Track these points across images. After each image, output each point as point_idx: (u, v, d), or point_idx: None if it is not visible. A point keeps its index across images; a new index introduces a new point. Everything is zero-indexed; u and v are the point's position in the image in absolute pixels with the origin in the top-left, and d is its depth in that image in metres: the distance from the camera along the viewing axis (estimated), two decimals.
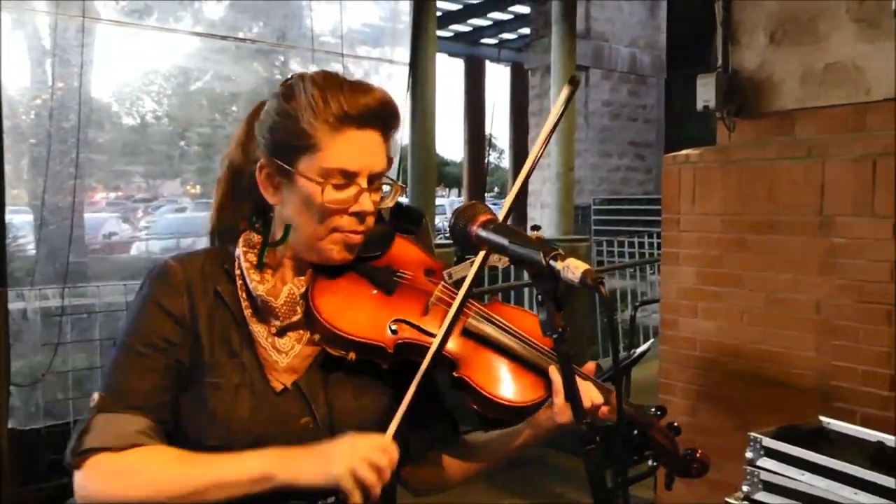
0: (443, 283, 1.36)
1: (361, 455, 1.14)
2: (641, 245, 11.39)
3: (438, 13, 14.17)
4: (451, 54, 19.61)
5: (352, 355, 1.27)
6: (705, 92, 3.90)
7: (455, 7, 16.80)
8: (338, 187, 1.26)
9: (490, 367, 1.29)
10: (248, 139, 1.36)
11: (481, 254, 1.25)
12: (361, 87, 1.28)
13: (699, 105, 3.92)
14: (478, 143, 19.94)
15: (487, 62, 20.50)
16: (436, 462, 1.46)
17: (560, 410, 1.26)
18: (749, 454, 2.80)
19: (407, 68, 7.12)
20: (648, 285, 9.29)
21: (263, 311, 1.29)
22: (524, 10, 16.22)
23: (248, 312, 1.30)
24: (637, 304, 4.52)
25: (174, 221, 11.15)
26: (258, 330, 1.29)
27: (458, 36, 18.82)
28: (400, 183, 1.36)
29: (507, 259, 2.75)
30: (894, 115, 3.34)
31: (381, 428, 1.25)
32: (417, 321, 1.30)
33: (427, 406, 1.42)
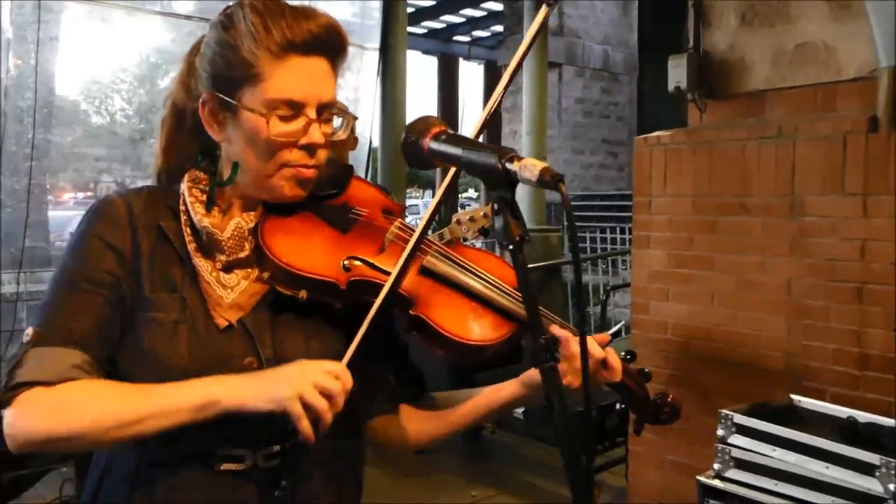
0: (399, 220, 1.30)
1: (311, 379, 1.09)
2: (614, 241, 11.38)
3: (411, 9, 14.11)
4: (425, 52, 19.55)
5: (302, 294, 1.21)
6: (677, 73, 3.87)
7: (427, 3, 16.74)
8: (284, 119, 1.19)
9: (449, 306, 1.22)
10: (190, 76, 1.28)
11: (447, 179, 1.20)
12: (305, 12, 1.20)
13: (671, 86, 3.89)
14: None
15: (461, 60, 20.46)
16: (403, 419, 1.39)
17: (562, 370, 1.19)
18: (720, 431, 2.77)
19: (377, 54, 7.07)
20: (620, 280, 9.28)
21: (209, 246, 1.24)
22: (497, 6, 16.19)
23: (192, 247, 1.24)
24: (608, 288, 4.48)
25: None
26: (202, 264, 1.24)
27: (432, 33, 18.76)
28: (352, 114, 1.29)
29: (475, 229, 2.66)
30: (865, 94, 3.33)
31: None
32: (372, 259, 1.24)
33: (390, 356, 1.38)
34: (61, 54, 4.99)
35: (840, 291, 3.25)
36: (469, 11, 17.38)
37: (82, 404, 1.12)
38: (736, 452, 2.71)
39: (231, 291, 1.23)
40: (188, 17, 5.44)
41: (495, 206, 0.92)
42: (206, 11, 6.08)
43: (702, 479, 2.76)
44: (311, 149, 1.22)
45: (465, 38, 19.45)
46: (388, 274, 1.20)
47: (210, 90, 1.22)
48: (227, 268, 1.24)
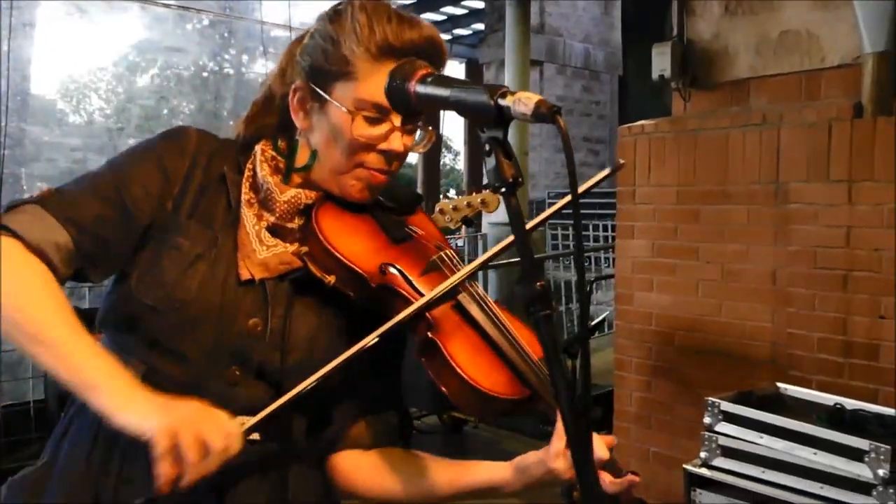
0: (449, 251, 1.27)
1: (197, 425, 0.99)
2: (596, 238, 11.38)
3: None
4: None
5: (330, 279, 1.19)
6: (661, 62, 3.85)
7: (408, 1, 16.69)
8: (369, 121, 1.18)
9: (467, 345, 1.17)
10: (288, 65, 1.28)
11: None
12: (410, 21, 1.19)
13: (655, 75, 3.87)
14: (432, 144, 19.83)
15: None
16: (379, 462, 1.29)
17: (556, 454, 1.14)
18: (707, 419, 2.74)
19: None
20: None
21: (263, 203, 1.23)
22: (478, 4, 16.18)
23: (245, 198, 1.24)
24: (592, 279, 4.45)
25: None
26: (249, 215, 1.23)
27: None
28: (432, 129, 1.27)
29: (458, 218, 2.62)
30: (849, 81, 3.31)
31: (325, 388, 1.17)
32: (411, 275, 1.21)
33: (387, 389, 1.34)
34: (37, 47, 4.90)
35: (825, 279, 3.23)
36: (450, 9, 17.34)
37: (22, 283, 1.08)
38: (723, 440, 2.67)
39: (266, 249, 1.21)
40: (166, 6, 5.36)
41: (486, 147, 0.87)
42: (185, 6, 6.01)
43: (688, 467, 2.73)
44: (389, 155, 1.21)
45: (447, 36, 19.42)
46: (420, 294, 1.18)
47: (304, 79, 1.22)
48: (272, 231, 1.23)
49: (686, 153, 3.74)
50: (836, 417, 2.59)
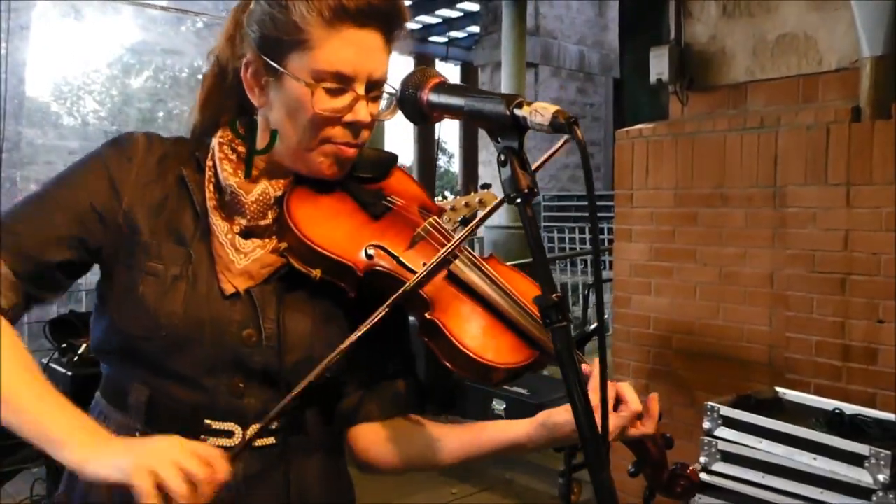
0: (434, 218, 1.22)
1: (174, 458, 0.94)
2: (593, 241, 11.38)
3: None
4: (400, 52, 19.50)
5: (316, 273, 1.13)
6: (658, 65, 3.85)
7: (404, 3, 16.69)
8: (331, 92, 1.10)
9: (468, 317, 1.14)
10: (236, 32, 1.18)
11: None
12: None
13: (652, 78, 3.86)
14: (427, 145, 19.85)
15: (437, 61, 20.43)
16: (392, 431, 1.25)
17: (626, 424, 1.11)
18: (706, 424, 2.73)
19: None
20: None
21: (231, 206, 1.15)
22: (473, 7, 16.18)
23: (211, 204, 1.16)
24: (590, 284, 4.44)
25: None
26: (219, 224, 1.15)
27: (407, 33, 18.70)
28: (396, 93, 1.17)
29: (456, 219, 2.61)
30: (847, 84, 3.31)
31: (335, 377, 1.16)
32: (397, 252, 1.15)
33: (397, 361, 1.28)
34: (32, 49, 4.87)
35: (823, 282, 3.22)
36: (445, 12, 17.35)
37: None
38: (722, 445, 2.67)
39: (244, 258, 1.15)
40: (165, 10, 5.34)
41: (502, 157, 0.85)
42: (181, 4, 5.99)
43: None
44: (355, 127, 1.13)
45: (442, 39, 19.42)
46: (411, 270, 1.13)
47: (256, 52, 1.13)
48: (246, 233, 1.16)
49: (684, 156, 3.73)
50: (835, 422, 2.59)
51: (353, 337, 1.08)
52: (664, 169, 3.79)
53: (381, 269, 1.14)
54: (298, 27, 1.08)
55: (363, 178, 1.23)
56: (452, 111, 0.95)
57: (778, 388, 2.99)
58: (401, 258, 1.15)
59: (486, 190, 2.88)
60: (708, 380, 3.61)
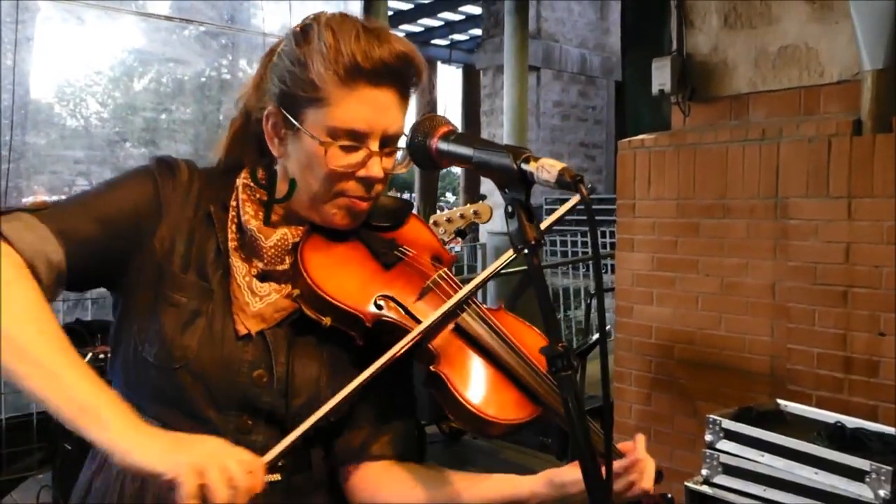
0: (444, 270, 1.23)
1: (221, 461, 0.94)
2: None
3: (389, 13, 14.06)
4: None
5: (327, 320, 1.16)
6: (660, 76, 3.86)
7: (406, 6, 16.72)
8: (345, 149, 1.13)
9: (472, 371, 1.15)
10: (262, 80, 1.22)
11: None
12: (379, 37, 1.13)
13: (654, 89, 3.87)
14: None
15: (439, 63, 20.46)
16: (386, 476, 1.24)
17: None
18: (708, 437, 2.74)
19: None
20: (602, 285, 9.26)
21: (250, 249, 1.19)
22: (475, 10, 16.21)
23: (232, 245, 1.20)
24: (592, 293, 4.46)
25: None
26: (238, 265, 1.19)
27: (409, 36, 18.74)
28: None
29: (451, 230, 2.62)
30: (848, 96, 3.33)
31: (339, 419, 1.18)
32: (406, 303, 1.17)
33: (395, 402, 1.28)
34: (35, 55, 4.90)
35: (825, 295, 3.24)
36: (447, 15, 17.39)
37: (12, 303, 0.99)
38: (724, 458, 2.68)
39: (259, 301, 1.18)
40: (169, 19, 5.35)
41: (509, 209, 0.87)
42: (183, 10, 6.00)
43: (690, 484, 2.73)
44: (368, 182, 1.16)
45: (444, 42, 19.45)
46: (419, 322, 1.15)
47: (276, 105, 1.16)
48: (263, 276, 1.19)
49: (685, 167, 3.75)
50: (836, 436, 2.60)
51: (355, 384, 1.10)
52: (666, 179, 3.81)
53: (389, 319, 1.15)
54: (315, 85, 1.11)
55: (378, 227, 1.25)
56: (461, 160, 0.97)
57: (779, 401, 3.01)
58: (409, 309, 1.17)
59: (481, 202, 2.89)
60: (710, 390, 3.62)
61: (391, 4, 15.50)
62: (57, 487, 4.08)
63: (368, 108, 1.12)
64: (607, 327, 4.09)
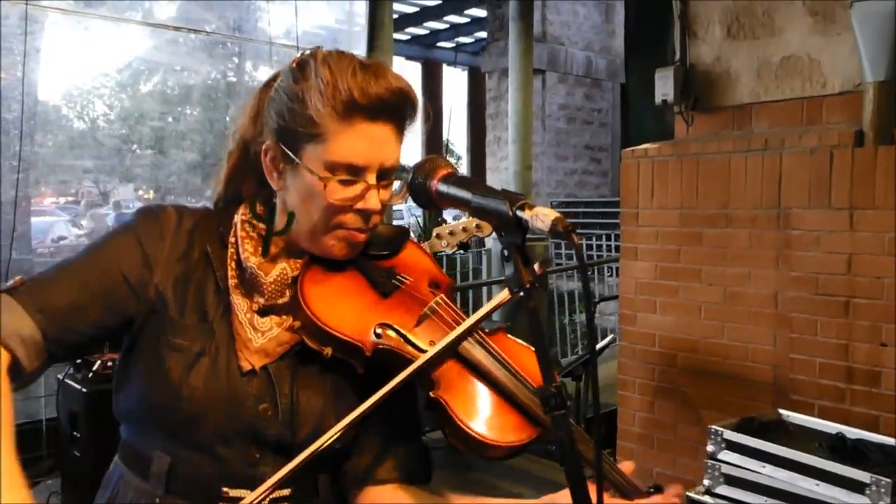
0: (442, 296, 1.26)
1: None
2: (599, 247, 11.41)
3: (395, 15, 14.10)
4: (408, 57, 19.54)
5: (328, 351, 1.19)
6: (663, 86, 3.89)
7: (411, 10, 16.75)
8: (343, 183, 1.15)
9: (472, 395, 1.18)
10: (258, 113, 1.24)
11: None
12: (375, 73, 1.15)
13: (657, 99, 3.90)
14: (435, 148, 19.86)
15: (445, 66, 20.47)
16: (394, 499, 1.27)
17: None
18: (710, 447, 2.77)
19: None
20: (606, 287, 9.29)
21: (250, 285, 1.21)
22: (480, 13, 16.22)
23: (232, 282, 1.22)
24: (596, 300, 4.49)
25: None
26: (239, 302, 1.21)
27: (415, 39, 18.79)
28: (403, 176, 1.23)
29: (454, 243, 2.66)
30: (850, 107, 3.35)
31: (343, 446, 1.21)
32: (405, 330, 1.20)
33: (402, 429, 1.31)
34: (43, 61, 4.95)
35: (827, 305, 3.26)
36: (453, 17, 17.40)
37: None
38: (726, 468, 2.71)
39: (261, 336, 1.21)
40: (176, 29, 5.40)
41: (505, 253, 0.91)
42: (189, 20, 6.04)
43: (692, 494, 2.76)
44: (366, 214, 1.19)
45: (449, 44, 19.47)
46: (418, 349, 1.17)
47: (274, 139, 1.19)
48: (264, 311, 1.22)
49: (689, 177, 3.78)
50: (837, 446, 2.63)
51: (358, 412, 1.12)
52: (669, 189, 3.84)
53: (388, 347, 1.17)
54: (314, 121, 1.14)
55: (375, 256, 1.27)
56: (459, 203, 1.00)
57: (781, 411, 3.03)
58: (408, 336, 1.19)
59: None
60: (712, 398, 3.65)
61: (396, 7, 15.54)
62: (66, 494, 4.12)
63: (366, 142, 1.15)
64: (612, 335, 4.12)
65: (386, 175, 1.19)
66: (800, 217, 3.35)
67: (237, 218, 1.25)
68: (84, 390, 3.90)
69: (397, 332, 1.19)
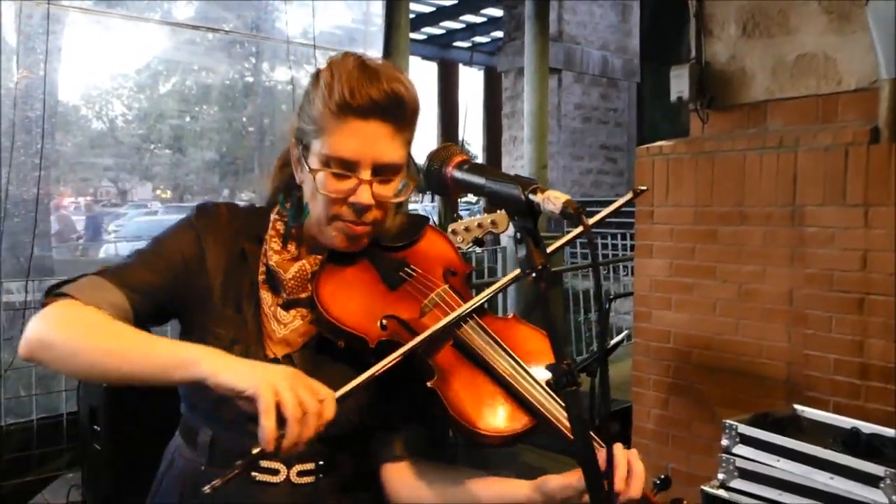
0: (444, 287, 1.32)
1: (294, 385, 1.06)
2: (615, 246, 11.40)
3: (411, 15, 14.15)
4: (425, 57, 19.61)
5: (340, 342, 1.27)
6: (679, 83, 3.90)
7: (428, 9, 16.80)
8: (337, 176, 1.26)
9: (468, 384, 1.21)
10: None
11: (511, 275, 1.25)
12: (372, 76, 1.25)
13: (673, 96, 3.92)
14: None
15: (461, 66, 20.51)
16: (415, 473, 1.34)
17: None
18: (724, 442, 2.79)
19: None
20: (622, 286, 9.29)
21: (274, 282, 1.33)
22: (496, 12, 16.26)
23: (261, 278, 1.35)
24: (611, 297, 4.51)
25: (143, 224, 11.15)
26: (265, 297, 1.34)
27: (431, 39, 18.84)
28: (415, 177, 1.33)
29: (469, 239, 2.69)
30: (865, 105, 3.36)
31: (360, 423, 1.29)
32: (409, 321, 1.26)
33: (411, 406, 1.36)
34: (64, 61, 5.02)
35: (841, 301, 3.27)
36: (469, 17, 17.44)
37: (85, 322, 1.18)
38: (740, 462, 2.73)
39: (284, 328, 1.32)
40: (201, 28, 5.46)
41: (518, 235, 0.94)
42: (207, 20, 6.10)
43: (706, 488, 2.78)
44: (357, 207, 1.27)
45: (465, 44, 19.50)
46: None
47: (295, 138, 1.33)
48: (287, 305, 1.33)
49: (703, 174, 3.79)
50: (852, 441, 2.64)
51: (366, 375, 1.17)
52: (684, 186, 3.85)
53: (392, 339, 1.24)
54: (315, 119, 1.27)
55: (389, 248, 1.36)
56: (473, 189, 1.04)
57: (796, 406, 3.05)
58: (412, 327, 1.25)
59: (499, 211, 2.95)
60: (727, 395, 3.66)
61: (413, 7, 15.58)
62: (86, 487, 4.18)
63: (356, 139, 1.25)
64: (626, 331, 4.14)
65: (383, 171, 1.28)
66: (814, 214, 3.36)
67: (273, 215, 1.38)
68: (104, 385, 3.96)
69: (401, 322, 1.26)
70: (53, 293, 1.24)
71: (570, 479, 1.17)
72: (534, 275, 0.93)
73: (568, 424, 1.11)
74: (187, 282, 1.32)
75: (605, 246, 11.56)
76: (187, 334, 1.35)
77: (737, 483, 2.73)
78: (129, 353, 1.14)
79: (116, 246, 9.45)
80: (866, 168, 3.19)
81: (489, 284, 1.36)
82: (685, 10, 4.06)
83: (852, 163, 3.25)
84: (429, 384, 1.21)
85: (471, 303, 1.26)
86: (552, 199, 0.90)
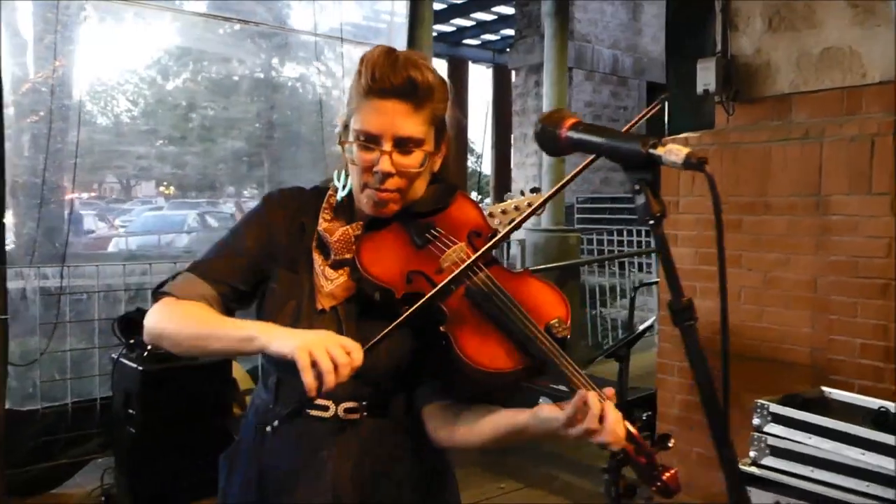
0: (461, 245, 1.51)
1: (325, 343, 1.31)
2: (621, 243, 11.47)
3: None
4: (435, 55, 19.65)
5: (375, 294, 1.47)
6: (705, 76, 3.98)
7: (438, 7, 16.85)
8: (363, 148, 1.48)
9: (475, 328, 1.40)
10: None
11: (513, 223, 1.47)
12: (395, 65, 1.46)
13: (699, 88, 3.99)
14: (462, 145, 19.96)
15: (470, 63, 20.57)
16: (452, 414, 1.52)
17: (568, 422, 1.29)
18: (756, 420, 2.87)
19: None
20: (630, 283, 9.37)
21: (323, 245, 1.57)
22: (507, 10, 16.31)
23: (313, 244, 1.59)
24: (636, 286, 4.59)
25: (150, 219, 11.24)
26: (316, 258, 1.58)
27: (441, 36, 18.88)
28: (432, 150, 1.54)
29: (507, 221, 2.79)
30: (890, 97, 3.43)
31: (396, 368, 1.50)
32: (430, 274, 1.47)
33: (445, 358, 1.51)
34: (95, 52, 5.07)
35: (866, 287, 3.35)
36: (479, 15, 17.49)
37: (182, 315, 1.49)
38: (772, 440, 2.81)
39: (331, 283, 1.54)
40: (212, 17, 5.53)
41: (636, 186, 1.03)
42: (232, 11, 6.15)
43: (739, 466, 2.86)
44: (380, 175, 1.48)
45: (475, 42, 19.55)
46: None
47: (344, 120, 1.56)
48: (335, 265, 1.55)
49: (728, 165, 3.87)
50: (881, 419, 2.72)
51: (382, 333, 1.39)
52: None
53: (416, 291, 1.44)
54: (351, 101, 1.53)
55: (419, 214, 1.55)
56: (590, 148, 1.12)
57: (824, 388, 3.13)
58: (433, 279, 1.46)
59: (535, 194, 3.07)
60: (752, 380, 3.73)
61: None
62: (119, 470, 4.26)
63: (377, 115, 1.47)
64: (651, 319, 4.22)
65: (403, 143, 1.48)
66: (839, 203, 3.44)
67: (330, 192, 1.62)
68: (140, 368, 4.03)
69: (424, 276, 1.46)
70: (159, 292, 1.54)
71: (557, 411, 1.33)
72: (652, 222, 1.01)
73: (569, 366, 1.33)
74: (258, 267, 1.58)
75: (610, 242, 11.62)
76: (260, 299, 1.60)
77: (768, 460, 2.81)
78: (212, 336, 1.44)
79: (127, 241, 9.45)
80: (892, 158, 3.27)
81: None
82: (711, 5, 4.14)
83: (878, 153, 3.32)
84: (442, 329, 1.39)
85: (478, 253, 1.45)
86: (675, 152, 0.99)
